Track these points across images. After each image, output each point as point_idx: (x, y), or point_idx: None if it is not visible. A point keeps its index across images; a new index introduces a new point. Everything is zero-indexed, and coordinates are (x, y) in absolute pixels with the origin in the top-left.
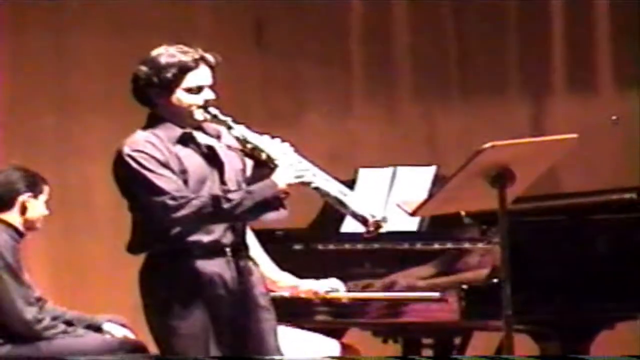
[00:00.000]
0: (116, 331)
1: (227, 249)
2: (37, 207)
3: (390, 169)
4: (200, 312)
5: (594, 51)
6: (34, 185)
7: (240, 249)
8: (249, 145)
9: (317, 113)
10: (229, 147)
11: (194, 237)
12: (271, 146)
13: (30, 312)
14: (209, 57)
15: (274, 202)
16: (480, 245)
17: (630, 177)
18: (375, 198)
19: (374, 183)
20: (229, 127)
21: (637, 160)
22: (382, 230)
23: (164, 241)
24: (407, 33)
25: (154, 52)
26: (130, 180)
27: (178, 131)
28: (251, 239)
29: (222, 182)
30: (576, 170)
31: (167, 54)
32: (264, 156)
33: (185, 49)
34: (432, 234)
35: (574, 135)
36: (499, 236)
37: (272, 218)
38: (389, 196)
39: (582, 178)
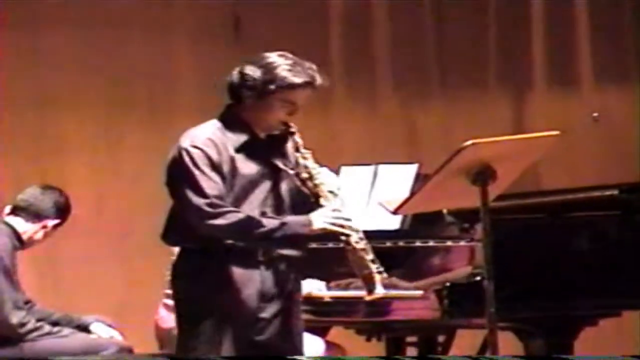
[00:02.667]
0: (103, 332)
1: (261, 254)
2: (50, 234)
3: (372, 167)
4: (229, 311)
5: (574, 48)
6: (64, 213)
7: (274, 255)
8: (306, 173)
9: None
10: (287, 166)
11: (229, 240)
12: (326, 180)
13: (16, 316)
14: (318, 81)
15: (301, 239)
16: (462, 243)
17: (611, 174)
18: (358, 196)
19: (356, 181)
20: (297, 149)
21: (618, 157)
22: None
23: (199, 239)
24: (387, 29)
25: (270, 59)
26: (179, 174)
27: (245, 137)
28: None
29: (273, 197)
30: (558, 168)
31: (283, 66)
32: (314, 188)
33: (302, 66)
34: (414, 232)
35: (556, 133)
36: (481, 234)
37: (288, 253)
38: (371, 194)
39: (563, 175)
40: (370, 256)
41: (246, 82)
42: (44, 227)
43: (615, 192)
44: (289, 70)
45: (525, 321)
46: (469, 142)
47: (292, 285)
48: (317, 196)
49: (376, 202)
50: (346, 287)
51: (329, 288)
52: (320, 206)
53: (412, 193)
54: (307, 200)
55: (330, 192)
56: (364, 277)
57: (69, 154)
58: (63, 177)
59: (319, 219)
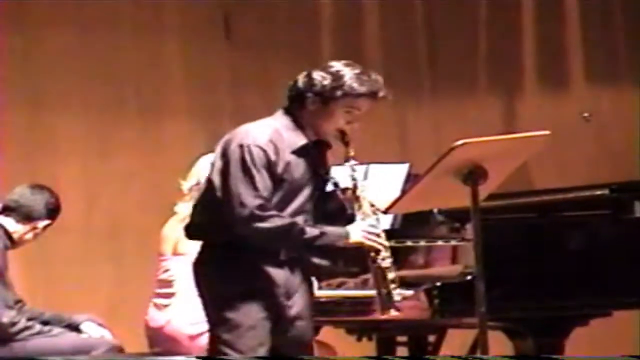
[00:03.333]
0: (93, 331)
1: (285, 251)
2: (40, 234)
3: (363, 167)
4: (255, 307)
5: (565, 48)
6: (54, 214)
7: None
8: (357, 189)
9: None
10: (342, 189)
11: None
12: (368, 195)
13: (7, 316)
14: (382, 94)
15: (334, 250)
16: (453, 242)
17: (602, 174)
18: None
19: (347, 181)
20: (347, 160)
21: (608, 157)
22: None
23: (226, 232)
24: (378, 28)
25: (340, 67)
26: (235, 170)
27: (303, 140)
28: None
29: (309, 202)
30: (548, 167)
31: (352, 75)
32: (355, 200)
33: (368, 75)
34: (405, 231)
35: (546, 132)
36: (471, 233)
37: (317, 262)
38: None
39: (554, 175)
40: (392, 275)
41: (314, 88)
42: (34, 228)
43: (606, 191)
44: (357, 78)
45: (515, 321)
46: (459, 142)
47: (308, 286)
48: (355, 208)
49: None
50: (338, 287)
51: (319, 287)
52: (355, 218)
53: (403, 192)
54: (339, 212)
55: (372, 206)
56: (381, 296)
57: (60, 154)
58: (54, 177)
59: (357, 233)
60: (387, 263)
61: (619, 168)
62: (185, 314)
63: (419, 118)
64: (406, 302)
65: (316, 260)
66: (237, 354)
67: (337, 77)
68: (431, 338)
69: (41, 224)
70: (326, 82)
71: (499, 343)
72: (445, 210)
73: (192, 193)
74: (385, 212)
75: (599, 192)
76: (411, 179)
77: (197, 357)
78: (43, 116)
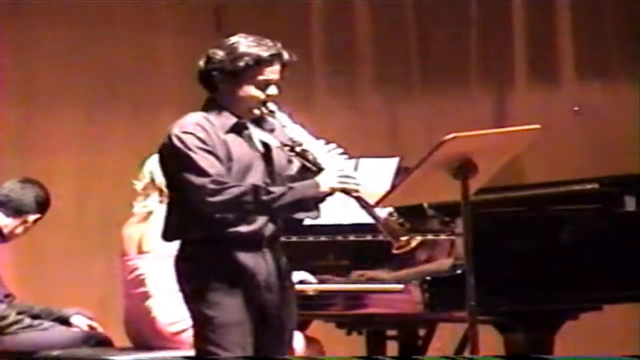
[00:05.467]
0: (83, 324)
1: (265, 241)
2: (31, 228)
3: (352, 161)
4: (238, 302)
5: (555, 42)
6: (44, 208)
7: (276, 242)
8: (299, 147)
9: (277, 103)
10: (281, 143)
11: (235, 228)
12: (322, 150)
13: None
14: (285, 55)
15: (312, 202)
16: (443, 236)
17: (592, 167)
18: None
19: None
20: (284, 126)
21: (599, 151)
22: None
23: (203, 229)
24: (369, 23)
25: (233, 39)
26: (174, 160)
27: (232, 119)
28: None
29: (268, 176)
30: (539, 161)
31: (245, 43)
32: (311, 158)
33: (265, 42)
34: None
35: (537, 126)
36: (462, 227)
37: (302, 217)
38: None
39: (545, 168)
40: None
41: (214, 66)
42: (25, 222)
43: (596, 185)
44: (252, 46)
45: (506, 315)
46: (450, 136)
47: (288, 275)
48: (317, 165)
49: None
50: (327, 281)
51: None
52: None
53: (393, 186)
54: (308, 176)
55: (331, 158)
56: (388, 229)
57: (52, 150)
58: (46, 172)
59: (326, 180)
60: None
61: (609, 162)
62: (163, 314)
63: (410, 113)
64: (397, 296)
65: (302, 215)
66: (223, 351)
67: (232, 49)
68: (421, 332)
69: (31, 217)
70: (224, 57)
71: (489, 337)
72: (435, 204)
73: (147, 191)
74: (375, 205)
75: (589, 186)
76: (401, 173)
77: (185, 357)
78: (36, 111)
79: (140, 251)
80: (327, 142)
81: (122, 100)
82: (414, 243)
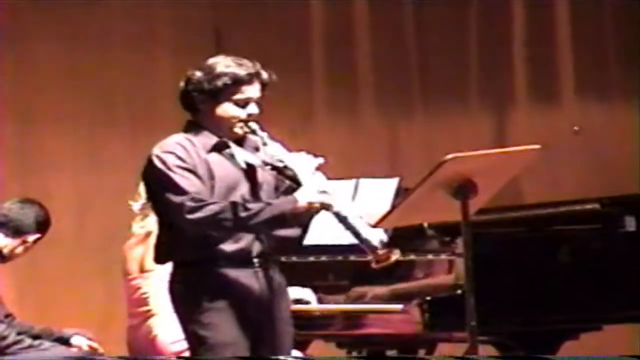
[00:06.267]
0: (83, 345)
1: (255, 260)
2: (31, 248)
3: (353, 181)
4: (229, 321)
5: (555, 61)
6: (44, 228)
7: (268, 260)
8: (280, 163)
9: (277, 123)
10: (264, 162)
11: (219, 246)
12: (301, 165)
13: None
14: (264, 75)
15: (291, 218)
16: (443, 256)
17: (593, 188)
18: None
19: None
20: (264, 144)
21: (599, 171)
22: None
23: (190, 249)
24: (369, 43)
25: (211, 60)
26: (155, 180)
27: (213, 139)
28: None
29: (253, 195)
30: (539, 181)
31: (223, 63)
32: (291, 174)
33: (243, 61)
34: (395, 246)
35: (537, 146)
36: (462, 247)
37: (284, 234)
38: None
39: (545, 189)
40: (358, 221)
41: (194, 87)
42: (24, 242)
43: (597, 205)
44: (230, 66)
45: (506, 335)
46: (449, 156)
47: (283, 294)
48: (296, 181)
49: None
50: (327, 301)
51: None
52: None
53: (393, 206)
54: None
55: (308, 171)
56: (366, 245)
57: (52, 168)
58: (45, 191)
59: (304, 195)
60: (345, 212)
61: (609, 182)
62: (167, 333)
63: (410, 133)
64: (396, 316)
65: (283, 232)
66: None
67: (210, 69)
68: (421, 352)
69: (31, 238)
70: (202, 78)
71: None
72: (435, 224)
73: (144, 212)
74: (375, 226)
75: (589, 206)
76: (401, 193)
77: (179, 357)
78: (34, 130)
79: (143, 270)
80: (307, 153)
81: (121, 119)
82: (393, 257)
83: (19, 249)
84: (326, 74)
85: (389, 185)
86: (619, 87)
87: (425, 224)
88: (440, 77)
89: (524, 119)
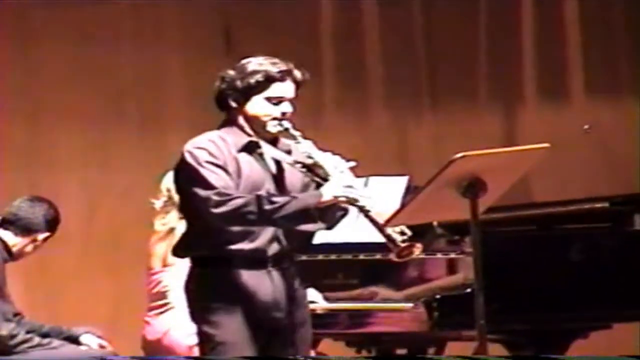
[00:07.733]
0: (93, 343)
1: (270, 260)
2: (40, 246)
3: (362, 179)
4: (237, 321)
5: (565, 60)
6: (54, 226)
7: (284, 261)
8: (310, 161)
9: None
10: (296, 162)
11: (236, 245)
12: (329, 162)
13: (6, 328)
14: (297, 73)
15: (315, 213)
16: (452, 255)
17: (602, 186)
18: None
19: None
20: (297, 142)
21: (609, 169)
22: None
23: (207, 246)
24: (378, 41)
25: (245, 60)
26: (185, 175)
27: (245, 138)
28: None
29: (278, 195)
30: (548, 180)
31: (256, 61)
32: (321, 172)
33: (276, 60)
34: None
35: (546, 145)
36: (471, 246)
37: (307, 229)
38: None
39: (554, 187)
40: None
41: (227, 86)
42: (34, 240)
43: (606, 204)
44: (262, 65)
45: (515, 333)
46: (459, 155)
47: (300, 293)
48: (325, 179)
49: None
50: (337, 299)
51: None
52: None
53: (403, 205)
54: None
55: (338, 170)
56: (389, 240)
57: (60, 167)
58: (54, 189)
59: (328, 190)
60: (370, 207)
61: (619, 181)
62: (182, 326)
63: (419, 132)
64: (406, 315)
65: (304, 227)
66: None
67: (242, 67)
68: (430, 351)
69: (40, 236)
70: (235, 76)
71: (499, 355)
72: (444, 223)
73: (166, 208)
74: (385, 224)
75: (599, 205)
76: (411, 192)
77: (187, 358)
78: (43, 129)
79: (165, 264)
80: (339, 157)
81: (129, 118)
82: (416, 252)
83: (29, 247)
84: (336, 72)
85: (399, 184)
86: (628, 86)
87: (435, 223)
88: (450, 76)
89: (533, 117)
